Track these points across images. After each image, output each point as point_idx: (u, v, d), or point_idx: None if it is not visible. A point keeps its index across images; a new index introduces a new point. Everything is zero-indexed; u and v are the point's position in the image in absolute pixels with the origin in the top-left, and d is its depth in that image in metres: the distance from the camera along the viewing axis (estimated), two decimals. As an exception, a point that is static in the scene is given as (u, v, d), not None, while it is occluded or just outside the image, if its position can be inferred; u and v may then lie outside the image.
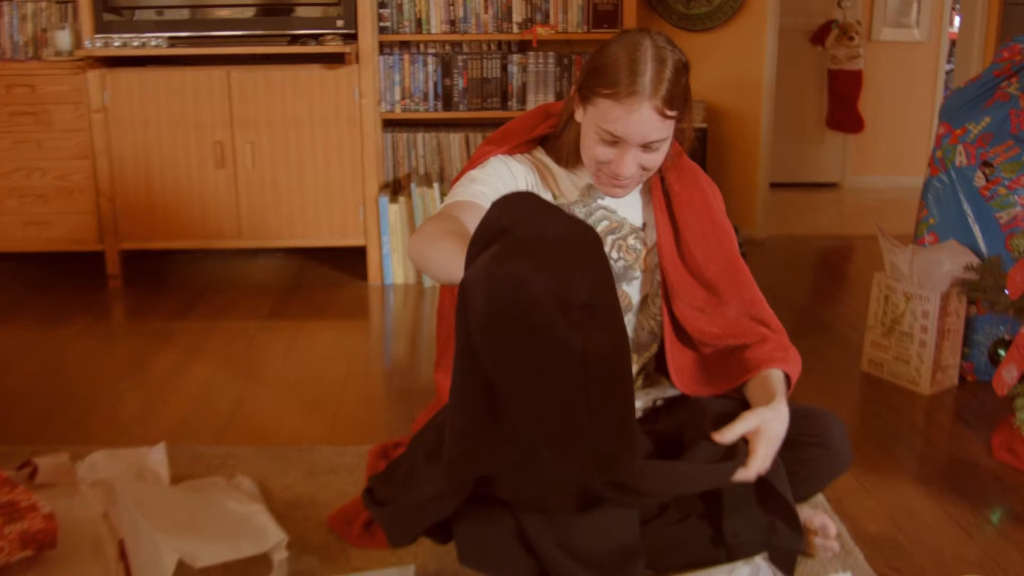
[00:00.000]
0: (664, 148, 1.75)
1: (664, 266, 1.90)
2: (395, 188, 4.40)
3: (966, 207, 2.97)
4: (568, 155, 1.86)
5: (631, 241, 1.90)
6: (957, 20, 6.32)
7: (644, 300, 1.93)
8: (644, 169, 1.76)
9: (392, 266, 4.18)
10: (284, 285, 4.18)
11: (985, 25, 4.83)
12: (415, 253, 1.56)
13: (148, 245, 4.16)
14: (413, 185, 4.16)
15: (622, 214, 1.90)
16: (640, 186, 1.91)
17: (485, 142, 1.92)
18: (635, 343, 1.94)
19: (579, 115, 1.78)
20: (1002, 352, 2.75)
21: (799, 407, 1.81)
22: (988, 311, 2.89)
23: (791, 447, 1.72)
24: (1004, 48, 3.01)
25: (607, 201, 1.89)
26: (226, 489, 2.16)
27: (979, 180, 2.93)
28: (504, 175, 1.81)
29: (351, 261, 4.42)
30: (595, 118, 1.71)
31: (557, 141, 1.87)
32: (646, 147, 1.71)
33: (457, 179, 1.86)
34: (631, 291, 1.91)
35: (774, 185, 5.43)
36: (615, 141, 1.70)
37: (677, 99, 1.69)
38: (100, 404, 2.86)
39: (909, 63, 6.57)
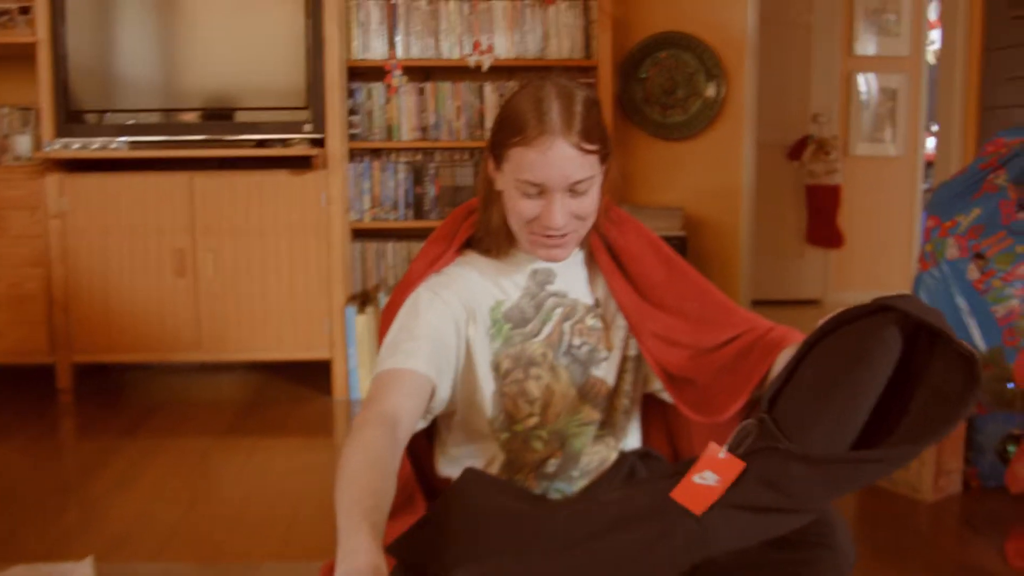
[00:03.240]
0: (593, 192, 1.58)
1: (624, 311, 1.70)
2: (363, 299, 4.22)
3: (960, 301, 2.83)
4: (498, 237, 1.67)
5: (589, 321, 1.71)
6: (931, 142, 6.35)
7: (620, 380, 1.74)
8: (577, 218, 1.58)
9: (359, 380, 3.97)
10: (244, 400, 3.96)
11: (963, 134, 4.80)
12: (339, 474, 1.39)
13: (102, 358, 3.96)
14: (382, 295, 4.00)
15: (572, 296, 1.72)
16: (582, 259, 1.75)
17: (415, 258, 1.74)
18: (610, 426, 1.75)
19: (499, 182, 1.61)
20: (1011, 448, 2.58)
21: None
22: (990, 410, 2.72)
23: (793, 548, 1.55)
24: (988, 143, 2.96)
25: (555, 286, 1.71)
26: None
27: (973, 273, 2.80)
28: (435, 321, 1.62)
29: (316, 375, 4.20)
30: (512, 173, 1.55)
31: (484, 227, 1.69)
32: (573, 191, 1.54)
33: (393, 303, 1.70)
34: (603, 374, 1.72)
35: (755, 303, 5.31)
36: (539, 191, 1.54)
37: (592, 131, 1.53)
38: (34, 519, 2.62)
39: (886, 177, 6.56)
